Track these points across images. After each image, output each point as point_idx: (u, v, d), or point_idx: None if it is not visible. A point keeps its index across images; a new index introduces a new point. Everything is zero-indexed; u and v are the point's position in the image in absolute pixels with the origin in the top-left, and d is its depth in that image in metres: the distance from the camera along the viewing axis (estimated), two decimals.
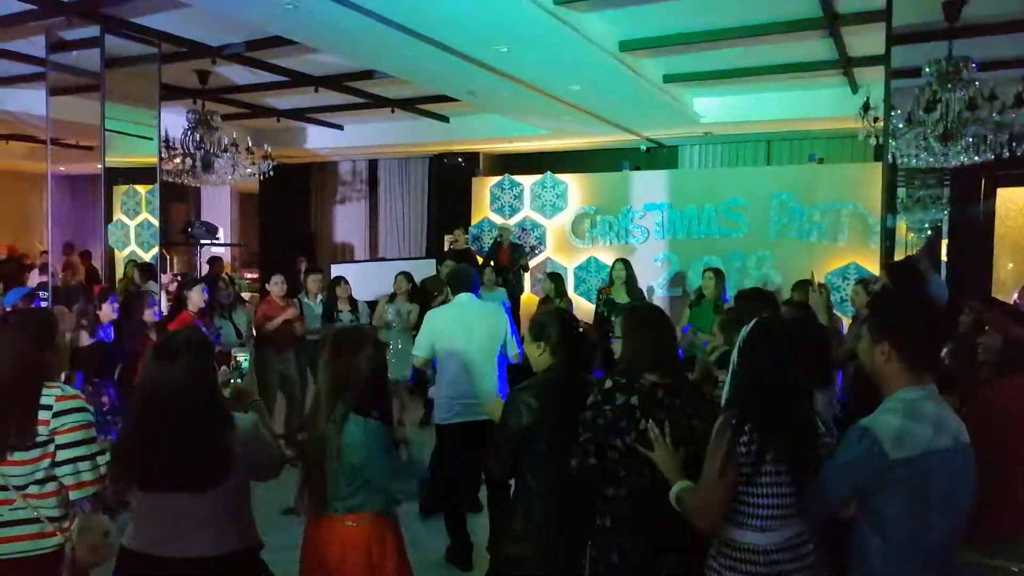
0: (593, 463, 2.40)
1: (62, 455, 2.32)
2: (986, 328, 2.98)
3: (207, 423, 2.20)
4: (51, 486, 2.36)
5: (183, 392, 2.18)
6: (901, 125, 5.38)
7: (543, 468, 2.65)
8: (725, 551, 2.17)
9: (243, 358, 2.69)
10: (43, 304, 5.73)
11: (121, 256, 13.27)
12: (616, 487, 2.42)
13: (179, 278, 9.34)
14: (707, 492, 2.12)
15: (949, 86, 5.14)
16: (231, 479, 2.23)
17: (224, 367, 2.55)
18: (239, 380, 2.64)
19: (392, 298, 6.89)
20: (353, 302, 6.77)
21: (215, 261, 10.50)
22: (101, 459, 2.37)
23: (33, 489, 2.31)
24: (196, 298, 5.57)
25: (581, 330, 2.87)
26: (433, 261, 9.87)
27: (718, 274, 6.52)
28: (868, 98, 5.55)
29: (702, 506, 2.14)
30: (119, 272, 12.01)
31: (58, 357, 2.51)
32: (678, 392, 2.47)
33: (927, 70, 5.29)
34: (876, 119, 5.44)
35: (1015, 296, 8.60)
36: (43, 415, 2.32)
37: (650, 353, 2.47)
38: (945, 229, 9.33)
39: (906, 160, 5.49)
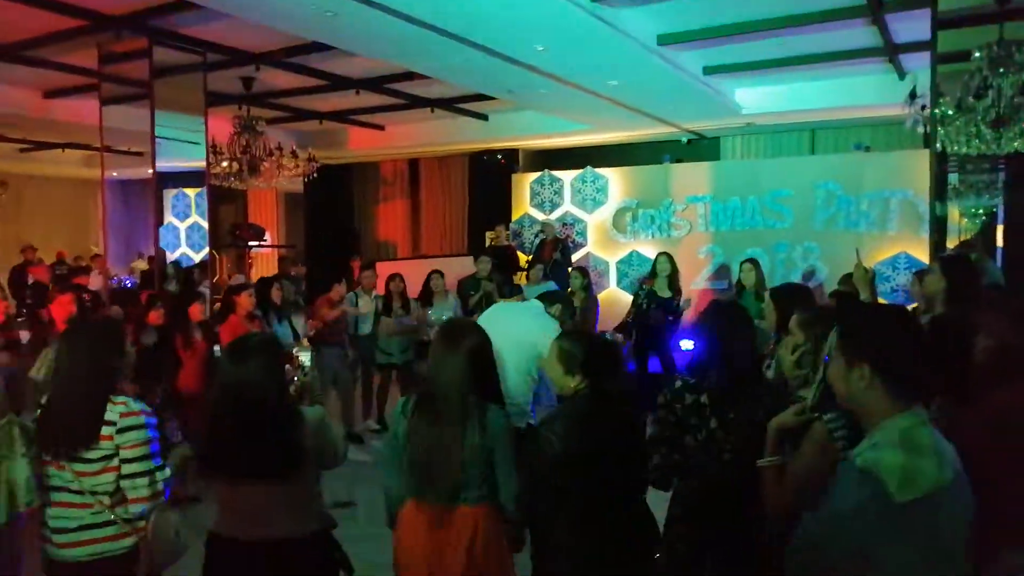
0: (675, 458, 2.44)
1: (126, 469, 2.41)
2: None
3: (280, 418, 2.40)
4: (120, 494, 2.45)
5: (257, 390, 2.37)
6: (951, 112, 5.23)
7: (565, 501, 2.51)
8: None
9: (305, 358, 2.81)
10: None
11: (172, 257, 13.65)
12: (686, 481, 2.49)
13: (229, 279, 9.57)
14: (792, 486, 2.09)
15: (1001, 70, 4.99)
16: (304, 469, 2.42)
17: (288, 366, 2.66)
18: (304, 377, 2.76)
19: (430, 299, 6.96)
20: (406, 299, 6.87)
21: (283, 261, 10.71)
22: (160, 475, 2.46)
23: (104, 499, 2.42)
24: (245, 302, 5.69)
25: (609, 338, 2.81)
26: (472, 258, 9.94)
27: (755, 264, 6.58)
28: (915, 86, 5.41)
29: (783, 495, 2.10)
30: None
31: (127, 364, 2.58)
32: (747, 391, 2.47)
33: (977, 55, 5.13)
34: (924, 107, 5.31)
35: None
36: (107, 430, 2.39)
37: (721, 351, 2.47)
38: (1000, 215, 9.06)
39: (956, 148, 5.33)
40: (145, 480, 2.42)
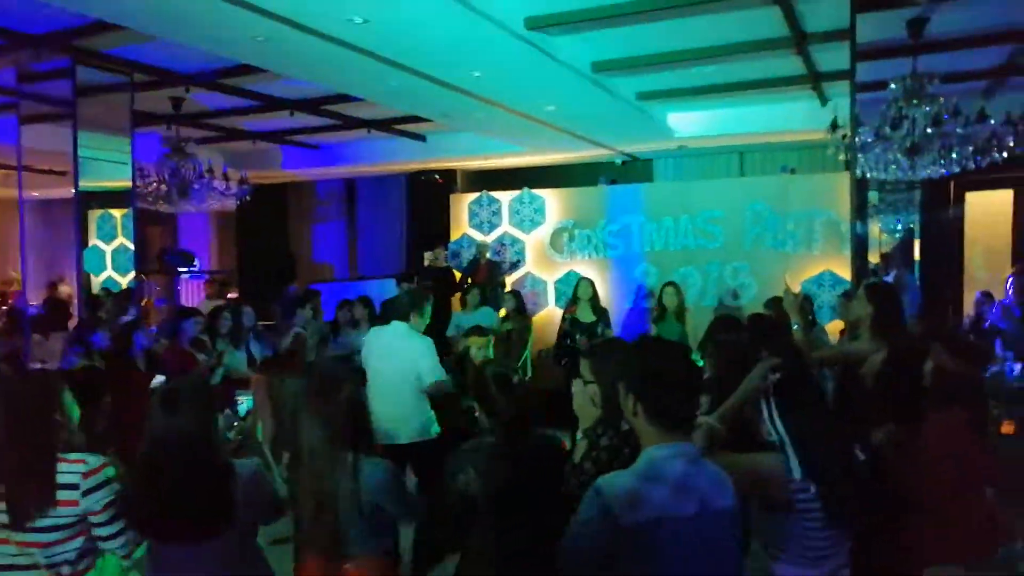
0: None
1: (105, 531, 2.23)
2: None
3: (209, 474, 2.26)
4: (86, 561, 2.27)
5: (187, 444, 2.23)
6: (869, 140, 5.49)
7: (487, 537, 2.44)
8: None
9: (244, 400, 2.69)
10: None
11: (98, 281, 13.14)
12: None
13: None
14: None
15: (915, 102, 5.26)
16: (234, 526, 2.28)
17: (227, 410, 2.53)
18: (244, 422, 2.64)
19: (356, 325, 6.90)
20: (356, 325, 6.79)
21: (223, 285, 10.41)
22: None
23: (65, 569, 2.21)
24: (190, 329, 5.58)
25: (516, 383, 2.57)
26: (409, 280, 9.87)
27: (676, 287, 6.94)
28: (836, 117, 5.65)
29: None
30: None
31: (66, 418, 2.37)
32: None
33: (892, 87, 5.41)
34: (844, 136, 5.55)
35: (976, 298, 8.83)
36: (68, 495, 2.18)
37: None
38: (917, 231, 9.50)
39: (875, 173, 5.60)
40: (132, 534, 2.26)
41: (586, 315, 6.80)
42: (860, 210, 5.66)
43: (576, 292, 6.93)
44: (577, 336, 6.69)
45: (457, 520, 2.47)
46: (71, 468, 2.19)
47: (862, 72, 5.54)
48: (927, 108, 5.19)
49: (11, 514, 2.13)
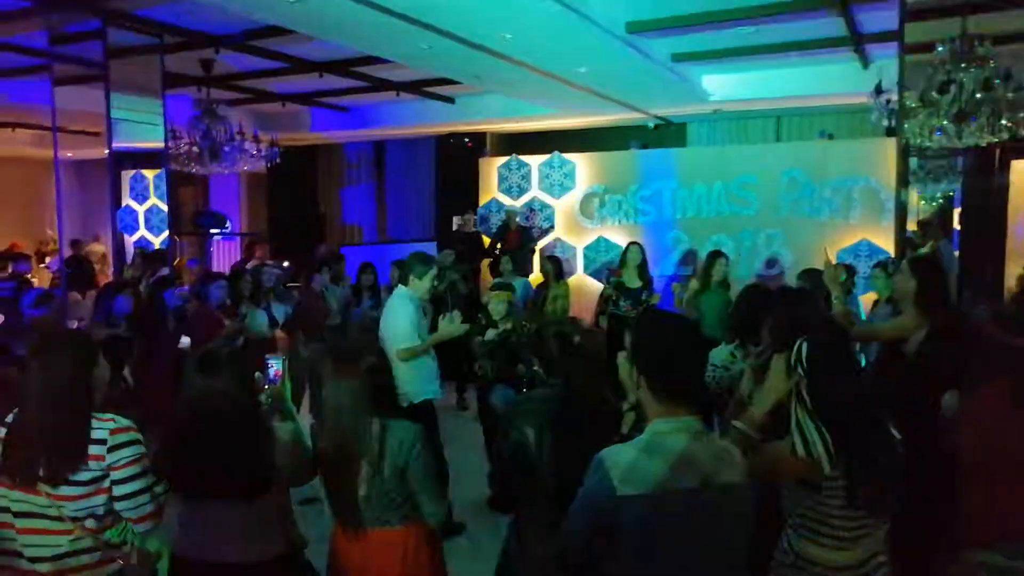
0: None
1: (121, 490, 2.24)
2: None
3: (251, 435, 2.30)
4: (109, 519, 2.29)
5: (227, 407, 2.27)
6: (914, 105, 5.29)
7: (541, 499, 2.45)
8: (803, 566, 2.18)
9: (275, 363, 2.67)
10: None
11: (131, 241, 13.32)
12: None
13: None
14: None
15: (963, 65, 5.04)
16: (274, 488, 2.34)
17: (258, 372, 2.54)
18: (276, 386, 2.64)
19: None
20: (375, 289, 6.79)
21: (252, 247, 10.48)
22: (158, 488, 2.33)
23: (91, 523, 2.25)
24: (215, 295, 5.58)
25: (577, 340, 2.57)
26: (434, 244, 9.86)
27: (727, 258, 6.62)
28: (880, 80, 5.46)
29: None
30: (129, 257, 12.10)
31: (100, 378, 2.39)
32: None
33: (940, 49, 5.18)
34: (888, 100, 5.36)
35: None
36: (96, 449, 2.22)
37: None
38: (957, 199, 9.23)
39: (919, 141, 5.40)
40: (147, 497, 2.27)
41: (632, 281, 6.72)
42: (902, 178, 5.47)
43: (625, 257, 6.82)
44: (621, 302, 6.61)
45: (511, 479, 2.49)
46: (101, 425, 2.24)
47: (909, 33, 5.33)
48: (976, 72, 4.97)
49: (48, 468, 2.18)
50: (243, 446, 2.27)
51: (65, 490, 2.20)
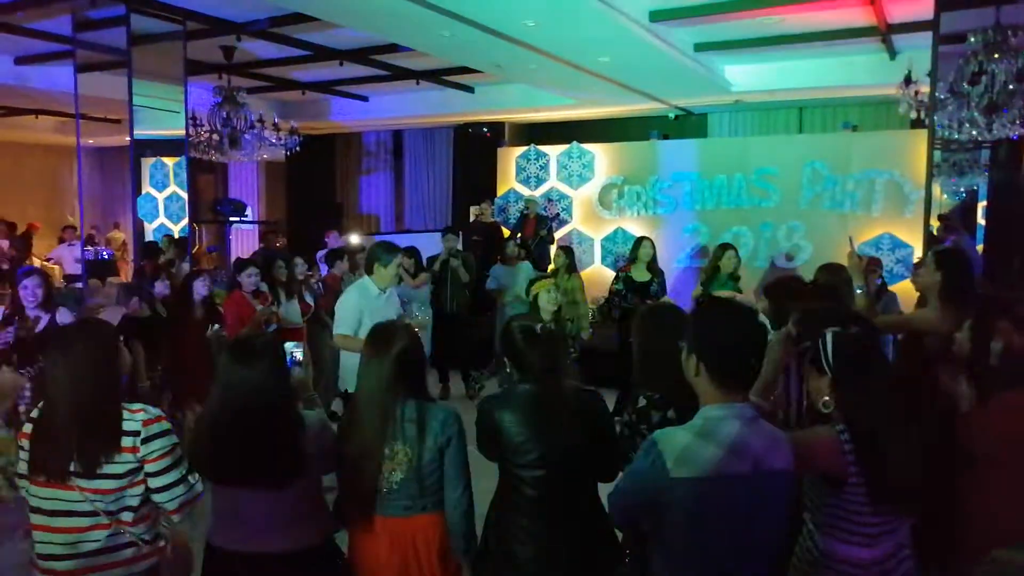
0: None
1: (157, 482, 2.22)
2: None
3: (283, 424, 2.28)
4: (147, 508, 2.27)
5: (261, 395, 2.26)
6: (943, 96, 5.20)
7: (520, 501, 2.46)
8: (828, 563, 2.16)
9: (297, 352, 2.67)
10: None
11: (151, 228, 13.41)
12: None
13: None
14: None
15: (996, 56, 4.95)
16: (306, 476, 2.32)
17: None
18: (299, 374, 2.64)
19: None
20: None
21: (268, 236, 10.53)
22: (192, 478, 2.30)
23: (126, 516, 2.22)
24: (247, 281, 5.59)
25: (542, 334, 2.51)
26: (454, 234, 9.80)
27: (735, 251, 6.56)
28: (910, 71, 5.37)
29: None
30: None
31: (123, 367, 2.37)
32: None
33: (972, 40, 5.09)
34: (917, 92, 5.28)
35: None
36: (130, 441, 2.18)
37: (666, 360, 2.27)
38: (984, 193, 9.09)
39: (948, 133, 5.32)
40: (183, 488, 2.25)
41: (641, 274, 6.66)
42: (931, 170, 5.39)
43: (637, 251, 6.76)
44: (628, 295, 6.58)
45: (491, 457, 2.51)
46: (133, 416, 2.19)
47: (942, 23, 5.24)
48: (1009, 62, 4.88)
49: (81, 462, 2.15)
50: (277, 435, 2.26)
51: (100, 483, 2.17)
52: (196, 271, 5.82)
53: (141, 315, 5.20)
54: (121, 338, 2.49)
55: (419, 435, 2.37)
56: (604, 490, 2.57)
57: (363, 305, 4.33)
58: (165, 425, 2.26)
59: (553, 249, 10.00)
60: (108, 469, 2.16)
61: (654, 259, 6.79)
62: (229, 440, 2.25)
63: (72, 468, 2.16)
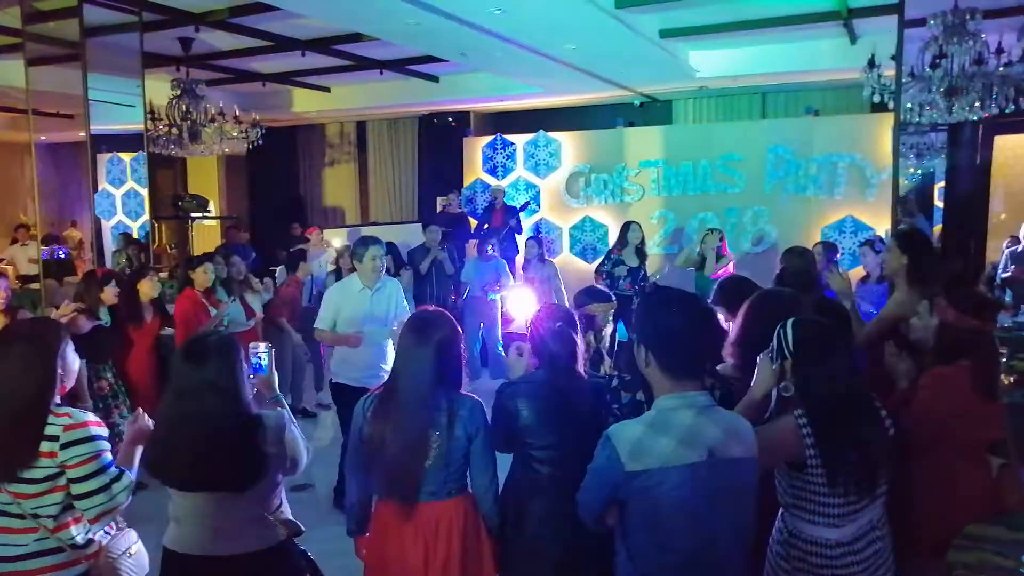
0: None
1: (77, 489, 2.19)
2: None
3: (240, 425, 2.23)
4: (69, 515, 2.24)
5: (216, 395, 2.20)
6: (905, 80, 5.29)
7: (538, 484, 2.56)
8: (796, 543, 2.19)
9: (263, 352, 2.59)
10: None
11: (108, 225, 13.06)
12: None
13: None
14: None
15: (955, 40, 5.04)
16: (265, 478, 2.28)
17: (245, 364, 2.47)
18: (260, 373, 2.57)
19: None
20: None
21: (230, 232, 10.33)
22: (117, 486, 2.25)
23: (49, 522, 2.20)
24: (202, 278, 5.46)
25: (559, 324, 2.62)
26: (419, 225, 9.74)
27: (719, 233, 6.58)
28: (874, 55, 5.45)
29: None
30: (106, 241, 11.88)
31: (67, 370, 2.31)
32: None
33: (932, 23, 5.18)
34: (880, 76, 5.35)
35: (1005, 244, 8.68)
36: (49, 446, 2.16)
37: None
38: (940, 175, 9.28)
39: (910, 116, 5.41)
40: (104, 496, 2.21)
41: (631, 259, 6.73)
42: (897, 152, 5.48)
43: (626, 236, 6.83)
44: (620, 280, 6.62)
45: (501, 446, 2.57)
46: (56, 421, 2.18)
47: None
48: (968, 45, 4.97)
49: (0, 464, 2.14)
50: (232, 437, 2.20)
51: (20, 487, 2.16)
52: (140, 271, 5.59)
53: (80, 330, 4.96)
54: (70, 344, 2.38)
55: (449, 424, 2.38)
56: None
57: (341, 301, 4.39)
58: (90, 431, 2.21)
59: (521, 240, 10.03)
60: (28, 473, 2.15)
61: (643, 244, 6.85)
62: (185, 444, 2.19)
63: None
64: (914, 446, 2.48)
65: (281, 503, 2.44)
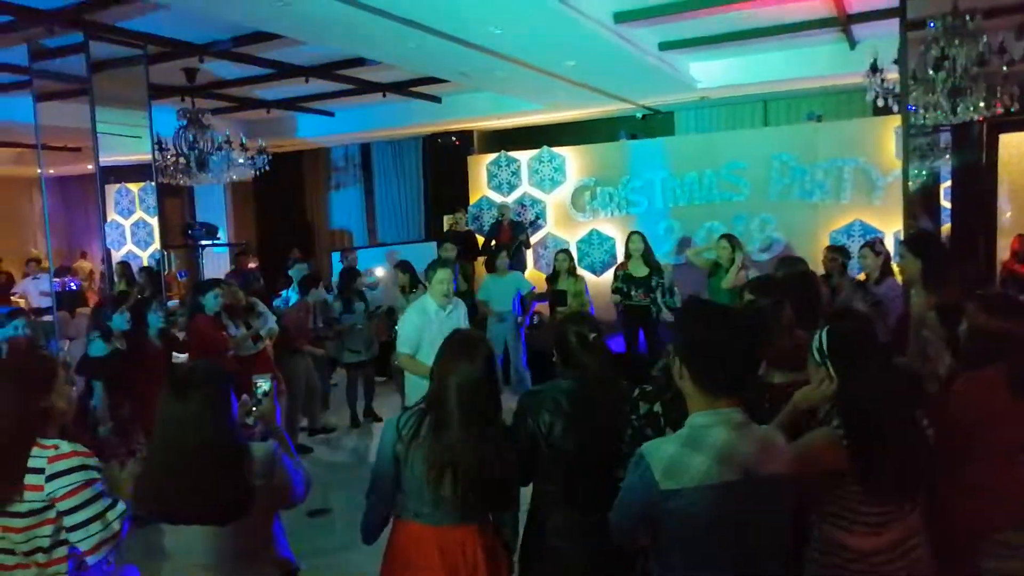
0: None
1: (69, 521, 2.16)
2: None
3: (224, 458, 2.17)
4: (60, 551, 2.21)
5: (199, 428, 2.15)
6: (909, 82, 5.28)
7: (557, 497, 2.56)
8: (835, 551, 2.18)
9: (264, 383, 2.58)
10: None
11: (118, 255, 13.16)
12: None
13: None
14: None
15: (956, 41, 5.05)
16: (253, 510, 2.20)
17: (245, 395, 2.45)
18: (262, 407, 2.55)
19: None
20: (362, 294, 6.75)
21: (240, 258, 10.40)
22: (111, 514, 2.24)
23: (40, 557, 2.16)
24: (211, 304, 5.52)
25: (593, 336, 2.62)
26: (433, 244, 9.76)
27: (732, 240, 6.50)
28: (876, 59, 5.46)
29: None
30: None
31: (60, 402, 2.29)
32: None
33: (932, 25, 5.18)
34: (883, 79, 5.36)
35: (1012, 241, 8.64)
36: (34, 479, 2.14)
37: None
38: (947, 175, 9.25)
39: (914, 118, 5.41)
40: (99, 525, 2.18)
41: (638, 269, 6.71)
42: (906, 154, 5.46)
43: (628, 247, 6.82)
44: (632, 292, 6.61)
45: (524, 461, 2.55)
46: (41, 453, 2.17)
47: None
48: (969, 47, 4.98)
49: None
50: (215, 469, 2.14)
51: (7, 521, 2.14)
52: (145, 300, 5.64)
53: (98, 355, 5.01)
54: (64, 376, 2.37)
55: (493, 445, 2.37)
56: None
57: (421, 324, 4.44)
58: (76, 461, 2.19)
59: (530, 254, 10.05)
60: (13, 507, 2.13)
61: (648, 252, 6.83)
62: (170, 478, 2.15)
63: None
64: (950, 451, 2.46)
65: (276, 539, 2.39)
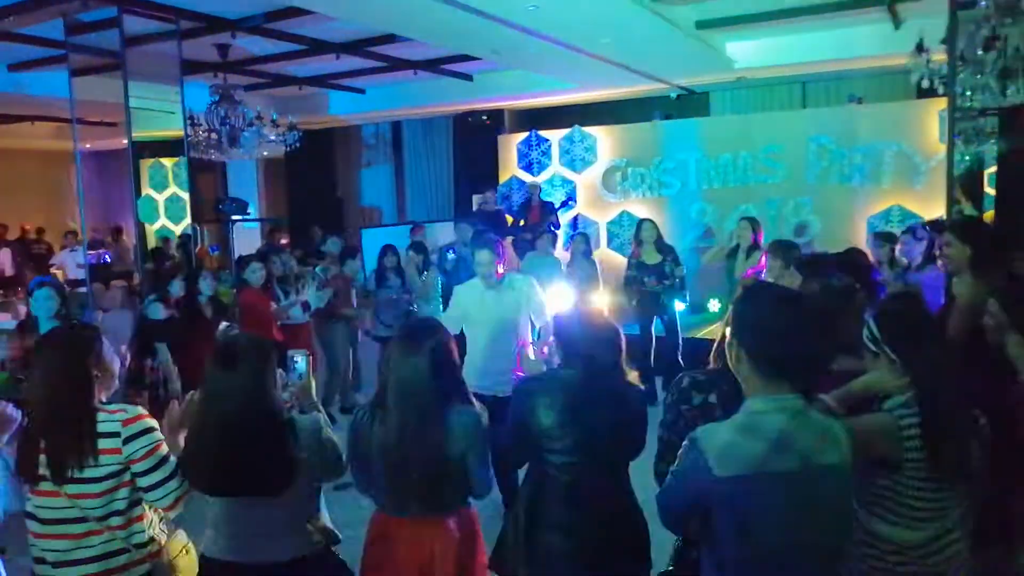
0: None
1: (146, 481, 2.20)
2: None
3: (272, 429, 2.21)
4: (136, 511, 2.26)
5: (245, 399, 2.18)
6: (957, 63, 5.08)
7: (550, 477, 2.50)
8: (874, 543, 2.13)
9: (300, 359, 2.57)
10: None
11: (152, 229, 13.34)
12: None
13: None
14: None
15: (1008, 20, 4.83)
16: (298, 483, 2.24)
17: (280, 370, 2.45)
18: (299, 381, 2.55)
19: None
20: (400, 270, 6.73)
21: (272, 234, 10.53)
22: (180, 471, 2.29)
23: (115, 520, 2.21)
24: (254, 277, 5.72)
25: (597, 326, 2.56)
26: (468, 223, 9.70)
27: (753, 222, 6.37)
28: (923, 38, 5.27)
29: None
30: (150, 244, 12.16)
31: (105, 371, 2.31)
32: None
33: (983, 3, 4.97)
34: (928, 60, 5.17)
35: None
36: (110, 443, 2.17)
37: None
38: (990, 161, 8.98)
39: (962, 101, 5.21)
40: (176, 482, 2.24)
41: (651, 256, 6.61)
42: (952, 138, 5.28)
43: (639, 235, 6.70)
44: (645, 279, 6.53)
45: (520, 449, 2.51)
46: (111, 417, 2.19)
47: None
48: (1022, 26, 4.76)
49: (51, 467, 2.14)
50: (265, 441, 2.18)
51: (83, 488, 2.16)
52: (197, 269, 5.85)
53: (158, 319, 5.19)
54: (104, 344, 2.38)
55: (445, 436, 2.31)
56: (635, 479, 2.56)
57: (467, 301, 4.28)
58: (147, 423, 2.23)
59: (560, 235, 9.96)
60: (89, 473, 2.15)
61: (660, 238, 6.73)
62: (217, 449, 2.18)
63: (40, 472, 2.16)
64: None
65: (320, 510, 2.42)
